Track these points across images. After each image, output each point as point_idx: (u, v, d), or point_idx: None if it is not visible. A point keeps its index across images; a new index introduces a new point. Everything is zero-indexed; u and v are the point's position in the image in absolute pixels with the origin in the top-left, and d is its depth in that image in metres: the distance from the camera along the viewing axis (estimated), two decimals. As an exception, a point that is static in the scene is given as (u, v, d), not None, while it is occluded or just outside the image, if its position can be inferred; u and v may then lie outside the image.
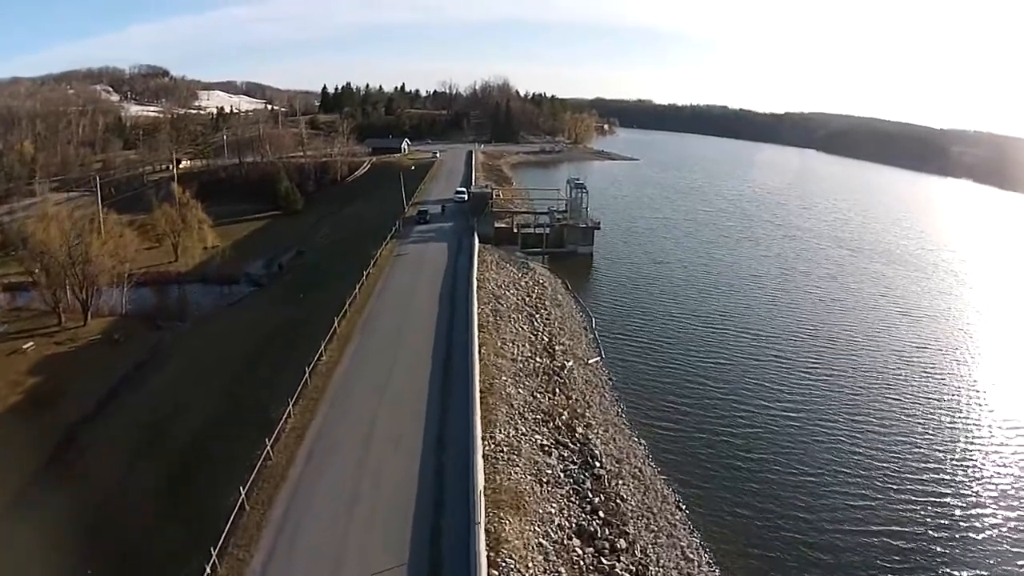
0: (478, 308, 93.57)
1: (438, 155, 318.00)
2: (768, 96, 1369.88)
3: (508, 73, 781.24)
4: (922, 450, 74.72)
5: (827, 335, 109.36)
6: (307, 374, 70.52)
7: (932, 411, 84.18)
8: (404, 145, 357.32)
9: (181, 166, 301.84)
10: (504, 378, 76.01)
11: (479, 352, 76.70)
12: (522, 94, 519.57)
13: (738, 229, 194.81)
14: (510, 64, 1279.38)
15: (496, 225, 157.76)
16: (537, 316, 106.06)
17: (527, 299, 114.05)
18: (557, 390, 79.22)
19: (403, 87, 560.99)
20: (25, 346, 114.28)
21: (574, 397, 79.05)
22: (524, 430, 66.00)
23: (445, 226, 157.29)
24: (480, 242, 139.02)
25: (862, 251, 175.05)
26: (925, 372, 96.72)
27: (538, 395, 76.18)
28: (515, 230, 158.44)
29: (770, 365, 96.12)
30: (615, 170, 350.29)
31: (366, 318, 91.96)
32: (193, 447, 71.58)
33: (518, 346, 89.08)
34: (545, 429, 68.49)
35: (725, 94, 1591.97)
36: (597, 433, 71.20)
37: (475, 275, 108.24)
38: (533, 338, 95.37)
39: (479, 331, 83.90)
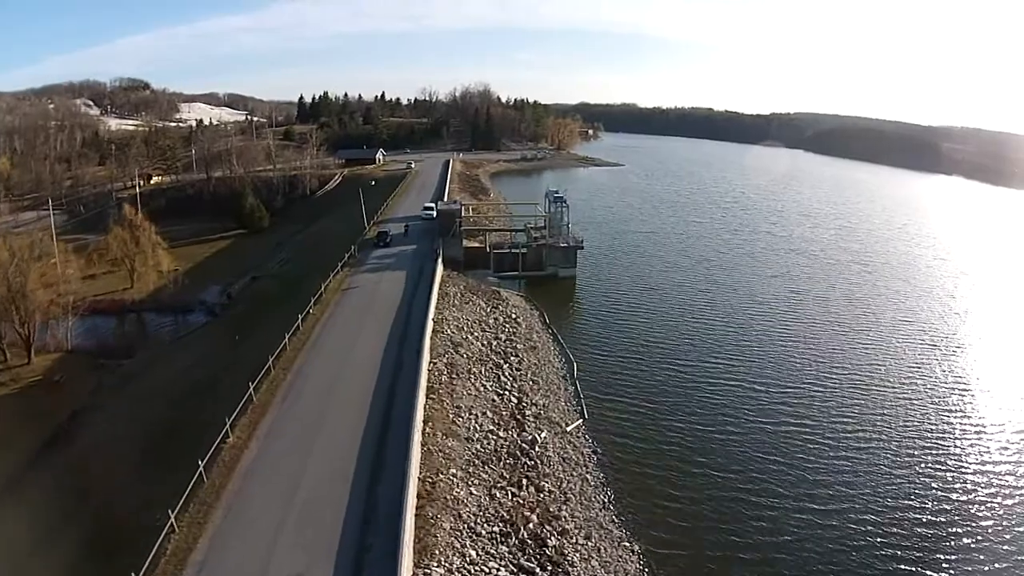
0: (430, 363, 78.31)
1: (413, 165, 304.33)
2: (755, 97, 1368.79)
3: (491, 80, 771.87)
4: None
5: (858, 381, 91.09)
6: (199, 471, 54.90)
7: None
8: (379, 155, 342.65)
9: (152, 182, 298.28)
10: (453, 471, 59.06)
11: (423, 432, 61.74)
12: (504, 100, 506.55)
13: (736, 243, 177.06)
14: (493, 71, 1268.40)
15: (467, 245, 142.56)
16: (505, 367, 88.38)
17: (494, 343, 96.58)
18: (524, 481, 61.24)
19: (383, 96, 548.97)
20: None
21: (547, 488, 61.24)
22: (475, 554, 49.11)
23: (407, 249, 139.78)
24: (447, 267, 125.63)
25: (874, 264, 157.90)
26: (986, 430, 79.11)
27: (497, 493, 58.51)
28: (488, 250, 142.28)
29: (800, 428, 77.22)
30: (600, 177, 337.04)
31: (292, 379, 74.97)
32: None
33: (476, 416, 71.49)
34: (504, 549, 50.99)
35: (711, 96, 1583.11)
36: (575, 543, 54.06)
37: (431, 317, 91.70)
38: (498, 400, 77.58)
39: (428, 397, 69.00)
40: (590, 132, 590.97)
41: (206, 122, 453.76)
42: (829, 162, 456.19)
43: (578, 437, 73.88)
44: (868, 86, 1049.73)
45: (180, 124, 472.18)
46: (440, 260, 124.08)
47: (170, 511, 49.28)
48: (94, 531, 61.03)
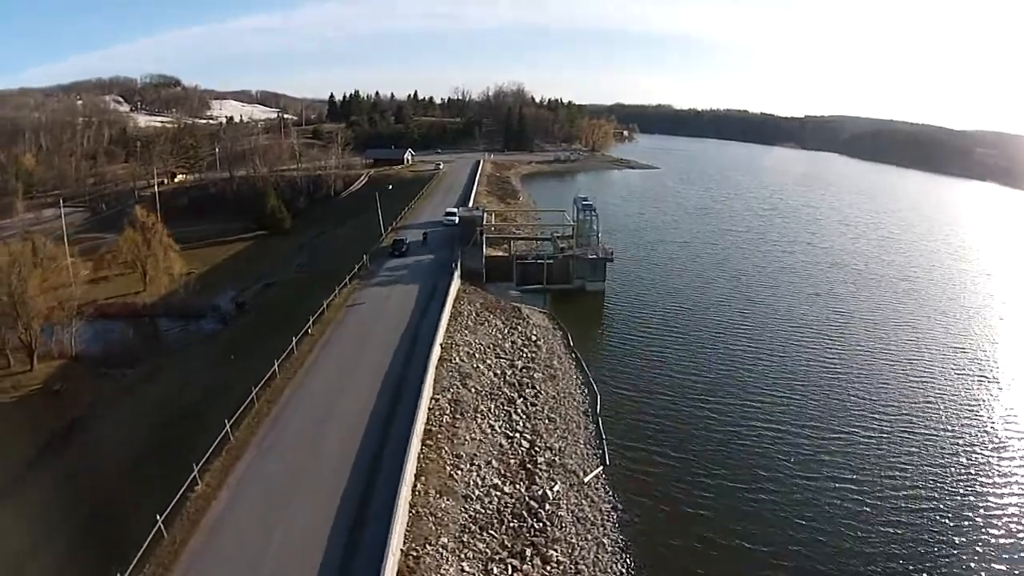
0: (432, 399, 70.36)
1: (442, 166, 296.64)
2: (789, 99, 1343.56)
3: (525, 79, 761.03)
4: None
5: (912, 425, 79.28)
6: (158, 524, 48.12)
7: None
8: (407, 156, 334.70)
9: (176, 180, 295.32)
10: (444, 541, 50.48)
11: (414, 489, 54.59)
12: (537, 100, 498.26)
13: (775, 255, 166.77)
14: (527, 71, 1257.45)
15: (490, 253, 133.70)
16: (519, 402, 78.61)
17: (509, 373, 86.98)
18: (528, 550, 51.92)
19: (415, 95, 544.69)
20: None
21: (555, 558, 51.93)
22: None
23: (424, 260, 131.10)
24: (466, 279, 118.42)
25: (919, 281, 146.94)
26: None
27: (495, 568, 49.40)
28: (512, 260, 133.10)
29: (855, 490, 65.46)
30: (634, 180, 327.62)
31: (277, 414, 66.90)
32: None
33: (479, 467, 62.18)
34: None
35: (746, 98, 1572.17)
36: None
37: (437, 346, 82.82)
38: (506, 445, 67.94)
39: (425, 444, 61.26)
40: (625, 133, 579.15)
41: (236, 119, 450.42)
42: (864, 166, 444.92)
43: (597, 489, 63.84)
44: (900, 89, 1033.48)
45: (210, 121, 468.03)
46: (457, 274, 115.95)
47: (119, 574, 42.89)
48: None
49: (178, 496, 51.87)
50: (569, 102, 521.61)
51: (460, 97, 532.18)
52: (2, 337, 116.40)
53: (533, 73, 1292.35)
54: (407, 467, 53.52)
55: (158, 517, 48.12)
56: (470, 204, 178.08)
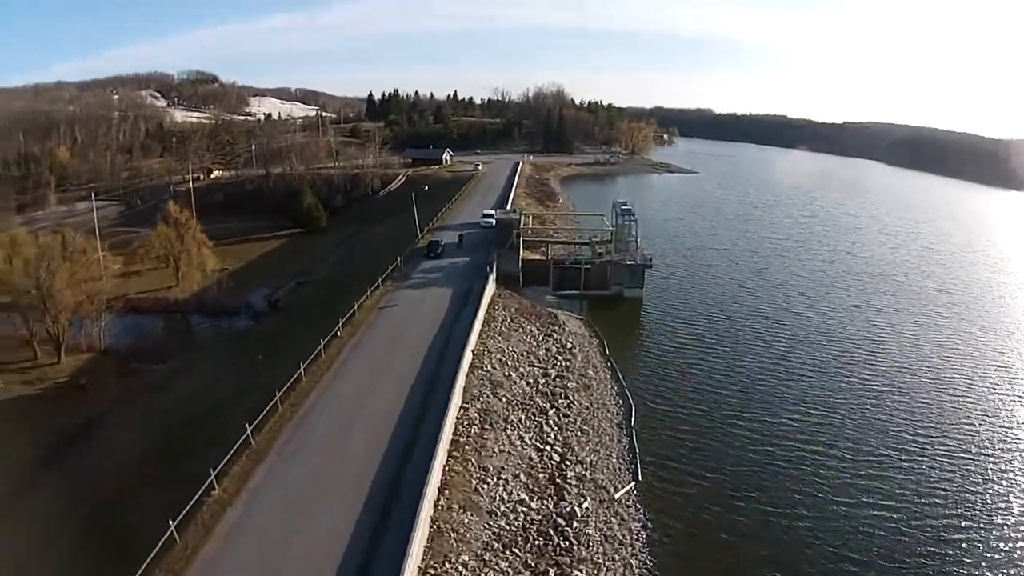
0: (460, 408, 68.41)
1: (480, 167, 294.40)
2: (828, 104, 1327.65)
3: (565, 81, 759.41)
4: None
5: (956, 447, 75.73)
6: (171, 529, 46.89)
7: None
8: (446, 156, 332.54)
9: (212, 176, 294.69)
10: (464, 559, 48.52)
11: (437, 504, 52.61)
12: (577, 102, 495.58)
13: (814, 265, 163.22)
14: (567, 72, 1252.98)
15: (526, 257, 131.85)
16: (551, 412, 76.10)
17: (542, 382, 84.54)
18: (552, 572, 49.68)
19: (455, 95, 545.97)
20: None
21: (579, 578, 50.00)
22: None
23: (459, 262, 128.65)
24: (502, 283, 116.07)
25: (959, 293, 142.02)
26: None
27: (517, 590, 47.50)
28: (549, 265, 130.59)
29: (896, 517, 62.33)
30: (673, 184, 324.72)
31: (299, 420, 65.09)
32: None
33: (506, 481, 59.87)
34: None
35: (785, 103, 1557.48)
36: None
37: (468, 352, 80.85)
38: (535, 458, 65.58)
39: (451, 456, 59.09)
40: (665, 137, 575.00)
41: (274, 116, 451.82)
42: (902, 174, 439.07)
43: (627, 506, 61.31)
44: (940, 97, 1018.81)
45: (248, 118, 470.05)
46: (492, 278, 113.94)
47: None
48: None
49: (193, 501, 50.52)
50: (609, 104, 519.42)
51: (499, 98, 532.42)
52: (29, 329, 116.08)
53: (572, 75, 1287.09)
54: (430, 481, 51.72)
55: (170, 522, 46.84)
56: (508, 206, 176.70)
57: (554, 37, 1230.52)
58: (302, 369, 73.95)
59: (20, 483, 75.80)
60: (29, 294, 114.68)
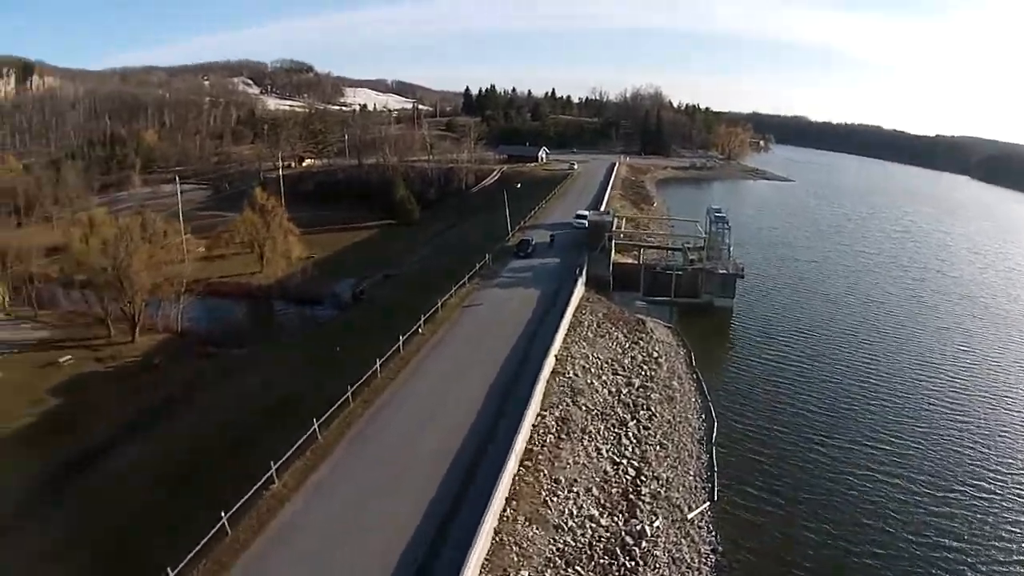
0: (538, 416, 66.49)
1: (576, 166, 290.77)
2: (920, 116, 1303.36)
3: (663, 83, 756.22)
4: None
5: None
6: (222, 521, 46.67)
7: None
8: (541, 154, 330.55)
9: (304, 164, 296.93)
10: (524, 575, 46.73)
11: (502, 515, 51.40)
12: (675, 104, 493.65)
13: (905, 283, 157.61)
14: (663, 74, 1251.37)
15: (618, 260, 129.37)
16: (631, 424, 73.48)
17: (624, 392, 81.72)
18: (613, 597, 47.69)
19: (553, 92, 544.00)
20: (62, 359, 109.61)
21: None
22: None
23: (548, 263, 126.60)
24: (591, 286, 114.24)
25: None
26: None
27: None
28: (640, 269, 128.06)
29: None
30: (768, 192, 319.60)
31: (370, 418, 64.46)
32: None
33: (578, 494, 57.66)
34: None
35: (879, 113, 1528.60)
36: None
37: (551, 358, 79.11)
38: (610, 472, 63.13)
39: (523, 465, 57.59)
40: (761, 143, 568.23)
41: (370, 107, 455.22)
42: (992, 191, 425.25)
43: (699, 528, 58.71)
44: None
45: (343, 108, 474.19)
46: (582, 281, 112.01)
47: (169, 570, 41.35)
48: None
49: (250, 493, 50.09)
50: (706, 108, 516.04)
51: (597, 97, 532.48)
52: (104, 307, 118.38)
53: (669, 77, 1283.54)
54: (498, 490, 50.30)
55: (223, 514, 46.62)
56: (602, 208, 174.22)
57: (652, 38, 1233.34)
58: (378, 365, 73.01)
59: (87, 456, 78.77)
60: (105, 272, 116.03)
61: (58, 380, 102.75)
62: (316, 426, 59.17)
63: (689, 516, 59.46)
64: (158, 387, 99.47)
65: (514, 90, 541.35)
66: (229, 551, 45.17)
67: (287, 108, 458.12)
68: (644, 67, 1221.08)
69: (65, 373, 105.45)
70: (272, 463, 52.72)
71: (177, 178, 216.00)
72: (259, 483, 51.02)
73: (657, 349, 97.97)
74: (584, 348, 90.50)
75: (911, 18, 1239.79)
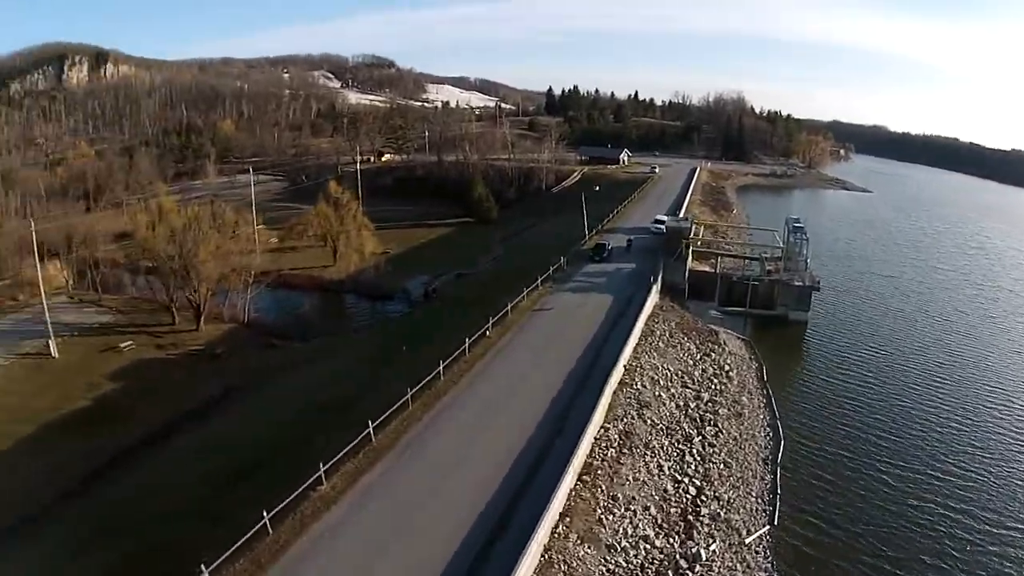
0: (600, 428, 65.27)
1: (657, 170, 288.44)
2: (997, 129, 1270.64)
3: (744, 88, 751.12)
4: None
5: None
6: (264, 520, 46.57)
7: None
8: (623, 156, 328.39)
9: (383, 159, 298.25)
10: (571, 600, 45.22)
11: (554, 532, 50.45)
12: (757, 111, 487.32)
13: (979, 302, 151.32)
14: (742, 79, 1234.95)
15: (694, 268, 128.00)
16: (696, 440, 71.32)
17: (692, 406, 79.65)
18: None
19: (636, 95, 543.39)
20: (123, 344, 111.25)
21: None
22: None
23: (624, 268, 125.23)
24: (666, 293, 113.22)
25: None
26: None
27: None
28: (717, 277, 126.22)
29: None
30: (846, 203, 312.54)
31: (428, 422, 63.94)
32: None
33: (634, 513, 55.84)
34: None
35: (956, 125, 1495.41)
36: None
37: (619, 370, 77.49)
38: (670, 491, 60.94)
39: (580, 479, 56.47)
40: (841, 152, 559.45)
41: (452, 104, 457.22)
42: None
43: (756, 553, 56.20)
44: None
45: (424, 104, 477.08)
46: (656, 288, 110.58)
47: (203, 565, 41.49)
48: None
49: (296, 494, 49.86)
50: (788, 115, 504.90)
51: (680, 101, 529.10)
52: (169, 295, 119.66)
53: (750, 82, 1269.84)
54: (551, 506, 49.29)
55: (265, 513, 46.44)
56: (681, 213, 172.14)
57: (733, 43, 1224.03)
58: (440, 368, 72.58)
59: (138, 443, 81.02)
60: (172, 260, 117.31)
61: (117, 365, 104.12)
62: (371, 428, 58.68)
63: (747, 540, 57.27)
64: (218, 377, 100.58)
65: (597, 91, 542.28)
66: (268, 551, 45.08)
67: (367, 103, 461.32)
68: (725, 71, 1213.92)
69: (125, 358, 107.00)
70: (321, 464, 52.45)
71: (251, 169, 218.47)
72: (306, 484, 50.85)
73: (729, 362, 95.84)
74: (654, 358, 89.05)
75: (987, 27, 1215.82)
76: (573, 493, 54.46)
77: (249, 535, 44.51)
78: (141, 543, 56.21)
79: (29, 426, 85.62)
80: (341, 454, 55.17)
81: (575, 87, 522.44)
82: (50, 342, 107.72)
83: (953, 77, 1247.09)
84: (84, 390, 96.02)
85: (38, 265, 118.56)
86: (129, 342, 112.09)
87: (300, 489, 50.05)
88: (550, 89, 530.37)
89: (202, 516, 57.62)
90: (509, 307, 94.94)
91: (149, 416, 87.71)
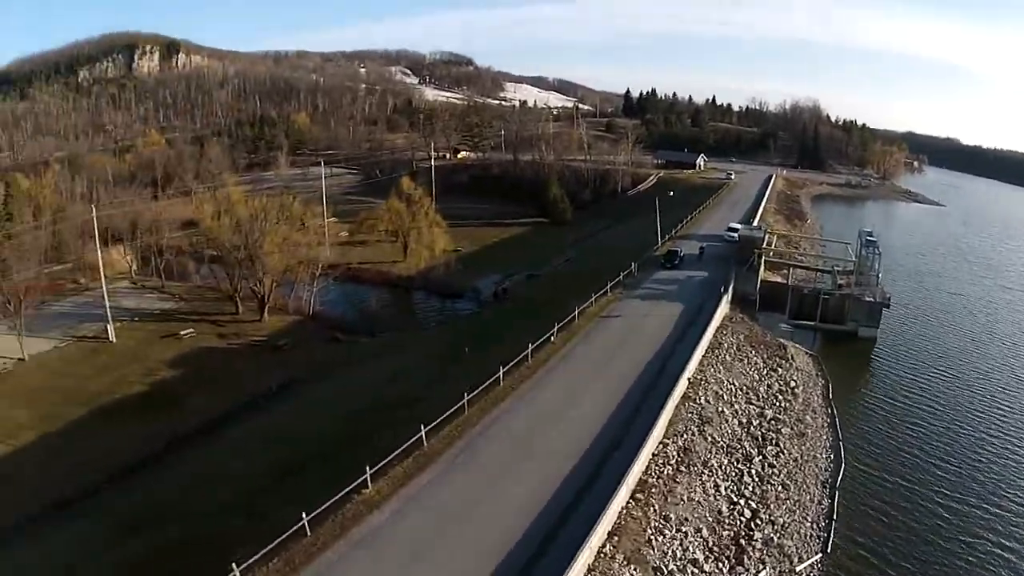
0: (659, 444, 64.62)
1: (732, 176, 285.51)
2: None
3: (820, 96, 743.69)
4: None
5: None
6: (303, 521, 46.76)
7: None
8: (699, 161, 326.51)
9: (459, 156, 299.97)
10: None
11: (601, 551, 49.20)
12: (832, 119, 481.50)
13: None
14: (818, 86, 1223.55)
15: (766, 278, 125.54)
16: (756, 460, 69.63)
17: (755, 424, 77.91)
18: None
19: (713, 100, 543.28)
20: (183, 332, 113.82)
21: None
22: None
23: (695, 276, 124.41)
24: (736, 304, 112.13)
25: None
26: None
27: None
28: (788, 289, 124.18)
29: None
30: (919, 216, 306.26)
31: (483, 428, 63.80)
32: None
33: (686, 535, 54.58)
34: None
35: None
36: None
37: (683, 383, 76.88)
38: (725, 512, 59.54)
39: (634, 497, 55.97)
40: (914, 164, 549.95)
41: (530, 104, 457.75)
42: None
43: None
44: None
45: (502, 103, 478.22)
46: (727, 299, 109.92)
47: (234, 564, 41.69)
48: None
49: (339, 496, 50.02)
50: (863, 125, 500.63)
51: (757, 107, 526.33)
52: (234, 285, 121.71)
53: (827, 90, 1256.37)
54: (600, 524, 48.68)
55: (304, 515, 46.58)
56: (755, 222, 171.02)
57: (809, 49, 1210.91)
58: (501, 373, 72.61)
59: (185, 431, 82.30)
60: (237, 251, 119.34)
61: (176, 353, 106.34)
62: (423, 432, 58.69)
63: (798, 568, 55.71)
64: (278, 369, 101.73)
65: (675, 95, 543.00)
66: (304, 553, 45.20)
67: (444, 99, 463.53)
68: (801, 78, 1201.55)
69: (185, 346, 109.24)
70: (368, 467, 52.51)
71: (322, 162, 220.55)
72: (350, 486, 50.86)
73: (795, 378, 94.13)
74: (720, 372, 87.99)
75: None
76: (624, 512, 53.73)
77: (285, 536, 45.08)
78: (180, 534, 57.19)
79: (82, 409, 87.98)
80: (390, 458, 55.34)
81: (653, 90, 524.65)
82: (108, 326, 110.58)
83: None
84: (141, 375, 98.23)
85: (99, 249, 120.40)
86: (190, 330, 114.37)
87: (343, 492, 50.21)
88: (628, 91, 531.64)
89: (246, 510, 58.38)
90: (576, 312, 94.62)
91: (206, 404, 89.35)
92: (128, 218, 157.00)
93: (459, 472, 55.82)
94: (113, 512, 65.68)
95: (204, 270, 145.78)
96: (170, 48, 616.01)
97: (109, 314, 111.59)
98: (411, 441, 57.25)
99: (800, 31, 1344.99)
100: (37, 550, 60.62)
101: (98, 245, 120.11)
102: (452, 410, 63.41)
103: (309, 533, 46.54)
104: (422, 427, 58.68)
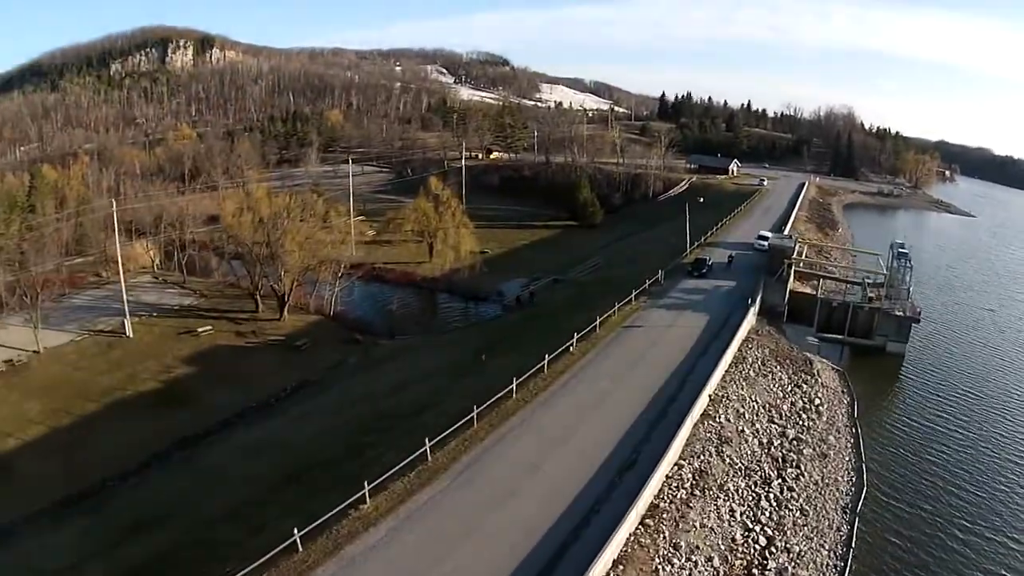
0: (673, 466, 62.34)
1: (765, 183, 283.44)
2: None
3: (855, 103, 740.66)
4: None
5: None
6: (294, 537, 46.05)
7: None
8: (732, 167, 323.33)
9: (492, 156, 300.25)
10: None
11: None
12: (866, 127, 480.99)
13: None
14: (853, 94, 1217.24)
15: (794, 289, 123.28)
16: (775, 483, 66.89)
17: (776, 444, 74.92)
18: None
19: (748, 105, 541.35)
20: (201, 329, 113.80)
21: None
22: None
23: (723, 286, 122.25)
24: (763, 316, 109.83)
25: None
26: None
27: None
28: (817, 301, 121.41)
29: None
30: (950, 227, 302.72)
31: (491, 444, 61.96)
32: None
33: (696, 564, 51.85)
34: None
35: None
36: None
37: (702, 401, 74.75)
38: (739, 540, 56.82)
39: (643, 523, 53.73)
40: (947, 173, 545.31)
41: (566, 105, 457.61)
42: None
43: None
44: None
45: (537, 104, 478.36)
46: (754, 311, 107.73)
47: None
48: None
49: (335, 511, 48.98)
50: (896, 133, 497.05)
51: (791, 113, 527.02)
52: (254, 283, 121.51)
53: (859, 96, 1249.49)
54: (604, 552, 46.57)
55: (295, 531, 45.73)
56: (786, 230, 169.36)
57: (846, 57, 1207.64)
58: (514, 385, 71.11)
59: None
60: (258, 247, 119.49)
61: (192, 350, 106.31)
62: (428, 447, 57.50)
63: None
64: (293, 371, 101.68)
65: (710, 99, 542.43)
66: (294, 570, 44.06)
67: (479, 99, 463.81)
68: (835, 85, 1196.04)
69: (201, 343, 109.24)
70: (366, 483, 51.27)
71: (351, 159, 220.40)
72: (348, 501, 49.91)
73: (820, 395, 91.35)
74: (743, 389, 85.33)
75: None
76: (632, 539, 51.67)
77: (276, 551, 44.08)
78: (175, 540, 56.89)
79: (93, 404, 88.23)
80: (391, 471, 54.11)
81: (688, 94, 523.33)
82: (125, 321, 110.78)
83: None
84: (155, 372, 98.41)
85: (118, 243, 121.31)
86: (208, 327, 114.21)
87: (339, 507, 49.24)
88: (663, 94, 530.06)
89: (244, 519, 57.85)
90: (598, 321, 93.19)
91: (217, 404, 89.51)
92: (153, 212, 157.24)
93: (462, 490, 54.21)
94: (113, 513, 65.48)
95: (226, 267, 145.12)
96: (204, 43, 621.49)
97: (127, 309, 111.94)
98: (415, 455, 56.22)
99: (837, 36, 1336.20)
100: (32, 550, 60.46)
101: (117, 239, 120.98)
102: (460, 423, 62.15)
103: (301, 549, 45.53)
104: (426, 440, 57.42)
